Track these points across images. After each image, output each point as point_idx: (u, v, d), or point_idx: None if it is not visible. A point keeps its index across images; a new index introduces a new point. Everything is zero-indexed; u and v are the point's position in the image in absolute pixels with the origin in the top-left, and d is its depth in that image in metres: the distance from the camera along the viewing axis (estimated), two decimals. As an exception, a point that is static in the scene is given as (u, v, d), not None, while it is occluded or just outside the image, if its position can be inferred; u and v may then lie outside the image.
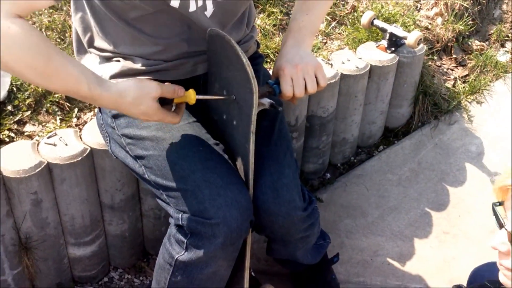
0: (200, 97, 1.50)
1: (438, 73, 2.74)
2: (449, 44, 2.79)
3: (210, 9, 1.50)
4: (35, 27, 1.24)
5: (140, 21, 1.50)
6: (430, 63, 2.68)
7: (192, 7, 1.46)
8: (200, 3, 1.47)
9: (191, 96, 1.47)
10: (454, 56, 2.82)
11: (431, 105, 2.65)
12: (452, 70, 2.80)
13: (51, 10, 2.20)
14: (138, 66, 1.56)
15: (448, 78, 2.77)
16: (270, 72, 1.78)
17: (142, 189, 2.01)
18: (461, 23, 2.78)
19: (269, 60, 2.31)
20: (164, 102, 1.45)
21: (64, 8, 2.22)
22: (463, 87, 2.74)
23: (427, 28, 2.72)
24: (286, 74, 1.54)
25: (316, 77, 1.57)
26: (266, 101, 1.55)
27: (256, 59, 1.78)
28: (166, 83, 1.45)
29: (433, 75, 2.68)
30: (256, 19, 2.43)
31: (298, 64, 1.55)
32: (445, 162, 2.55)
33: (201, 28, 1.51)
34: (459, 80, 2.76)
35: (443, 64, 2.79)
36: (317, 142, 2.39)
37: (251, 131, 1.45)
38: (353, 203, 2.39)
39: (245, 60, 1.38)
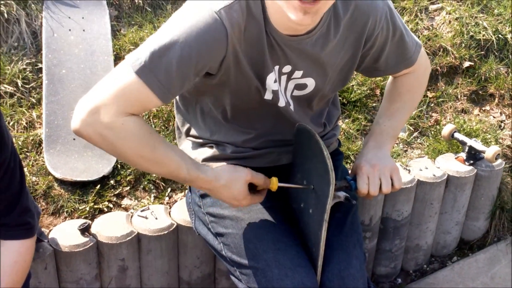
0: (282, 184, 1.63)
1: (517, 190, 2.75)
2: (530, 164, 2.81)
3: (292, 104, 1.67)
4: (145, 121, 1.44)
5: (237, 117, 1.68)
6: (509, 179, 2.70)
7: (281, 103, 1.63)
8: (285, 99, 1.64)
9: (274, 183, 1.61)
10: (535, 175, 2.82)
11: (508, 221, 2.64)
12: (532, 189, 2.80)
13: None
14: (228, 152, 1.72)
15: (528, 197, 2.76)
16: (350, 171, 1.90)
17: (218, 270, 2.10)
18: (544, 144, 2.80)
19: (349, 161, 2.42)
20: (249, 189, 1.59)
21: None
22: (543, 207, 2.73)
23: (509, 147, 2.76)
24: (364, 172, 1.65)
25: (391, 179, 1.66)
26: (342, 194, 1.67)
27: (337, 156, 1.91)
28: (258, 173, 1.59)
29: (512, 191, 2.70)
30: (342, 122, 2.58)
31: (376, 164, 1.66)
32: (519, 280, 2.51)
33: (288, 120, 1.67)
34: (539, 199, 2.75)
35: (523, 182, 2.80)
36: (390, 245, 2.42)
37: (324, 219, 1.54)
38: (423, 311, 2.40)
39: (326, 153, 1.49)
